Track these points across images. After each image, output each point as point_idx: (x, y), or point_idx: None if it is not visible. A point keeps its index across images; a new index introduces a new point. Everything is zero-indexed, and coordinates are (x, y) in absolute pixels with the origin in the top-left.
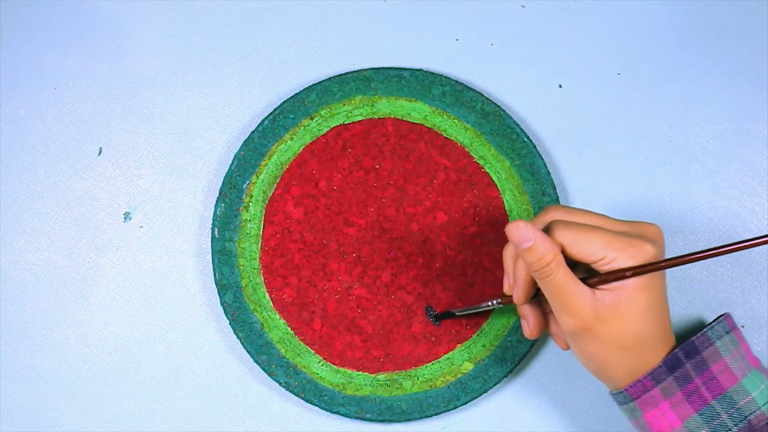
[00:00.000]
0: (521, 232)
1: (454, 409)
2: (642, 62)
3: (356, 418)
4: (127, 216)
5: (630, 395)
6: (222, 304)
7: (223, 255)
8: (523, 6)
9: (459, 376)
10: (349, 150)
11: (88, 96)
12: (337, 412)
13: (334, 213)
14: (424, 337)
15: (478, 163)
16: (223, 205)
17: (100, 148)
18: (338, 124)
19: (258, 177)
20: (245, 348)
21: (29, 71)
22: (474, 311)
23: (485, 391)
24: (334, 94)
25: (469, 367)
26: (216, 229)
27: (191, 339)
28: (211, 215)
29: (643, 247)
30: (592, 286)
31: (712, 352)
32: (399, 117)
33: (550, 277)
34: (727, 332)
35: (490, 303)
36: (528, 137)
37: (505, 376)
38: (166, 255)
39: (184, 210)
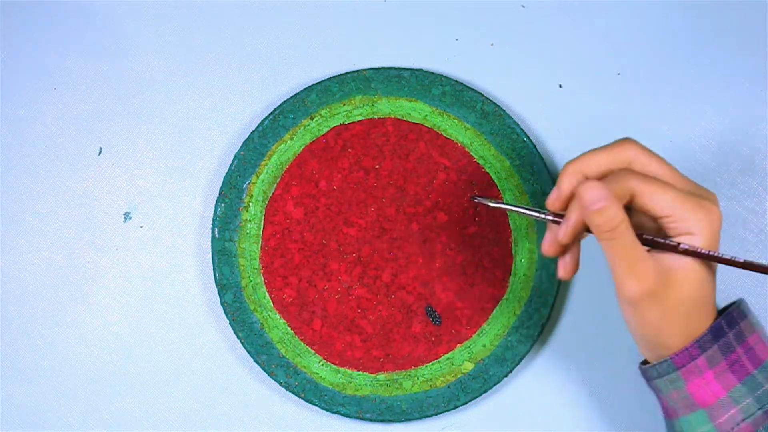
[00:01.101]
0: (593, 193)
1: (454, 409)
2: (642, 62)
3: (356, 418)
4: (127, 216)
5: (675, 364)
6: (222, 304)
7: (223, 255)
8: (523, 6)
9: (459, 376)
10: (349, 150)
11: (88, 96)
12: (337, 412)
13: (334, 213)
14: (424, 337)
15: (478, 163)
16: (223, 205)
17: (100, 148)
18: (338, 124)
19: (258, 177)
20: (245, 348)
21: (29, 71)
22: (517, 210)
23: (485, 391)
24: (334, 94)
25: (469, 367)
26: (216, 229)
27: (191, 339)
28: (211, 215)
29: (712, 210)
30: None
31: (747, 325)
32: (399, 117)
33: (617, 240)
34: (749, 311)
35: (540, 213)
36: (528, 137)
37: (505, 376)
38: (166, 255)
39: (184, 210)
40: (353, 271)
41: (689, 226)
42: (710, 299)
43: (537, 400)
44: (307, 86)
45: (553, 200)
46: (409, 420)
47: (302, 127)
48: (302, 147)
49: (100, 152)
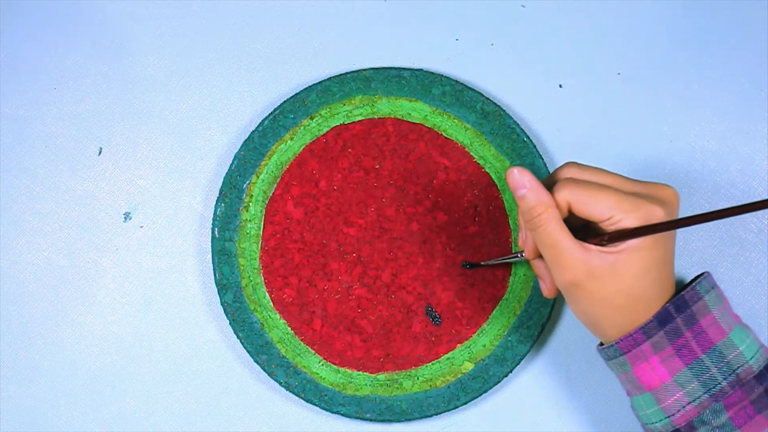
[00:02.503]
0: (516, 178)
1: (454, 409)
2: (642, 62)
3: (356, 418)
4: (127, 216)
5: (620, 349)
6: (222, 304)
7: (223, 255)
8: (523, 6)
9: (459, 376)
10: (349, 150)
11: (88, 96)
12: (337, 412)
13: (334, 213)
14: (424, 337)
15: (478, 163)
16: (223, 205)
17: (100, 148)
18: (338, 124)
19: (258, 177)
20: (245, 348)
21: (29, 71)
22: (501, 262)
23: (485, 391)
24: (334, 94)
25: (469, 367)
26: (216, 229)
27: (191, 339)
28: (211, 215)
29: (651, 209)
30: (600, 243)
31: (701, 307)
32: (399, 117)
33: (540, 229)
34: (712, 287)
35: (518, 255)
36: (528, 137)
37: (505, 376)
38: (166, 255)
39: (184, 210)
40: (353, 271)
41: (626, 225)
42: (655, 293)
43: (537, 400)
44: (307, 86)
45: (522, 241)
46: (409, 420)
47: (302, 127)
48: (302, 147)
49: (100, 152)
